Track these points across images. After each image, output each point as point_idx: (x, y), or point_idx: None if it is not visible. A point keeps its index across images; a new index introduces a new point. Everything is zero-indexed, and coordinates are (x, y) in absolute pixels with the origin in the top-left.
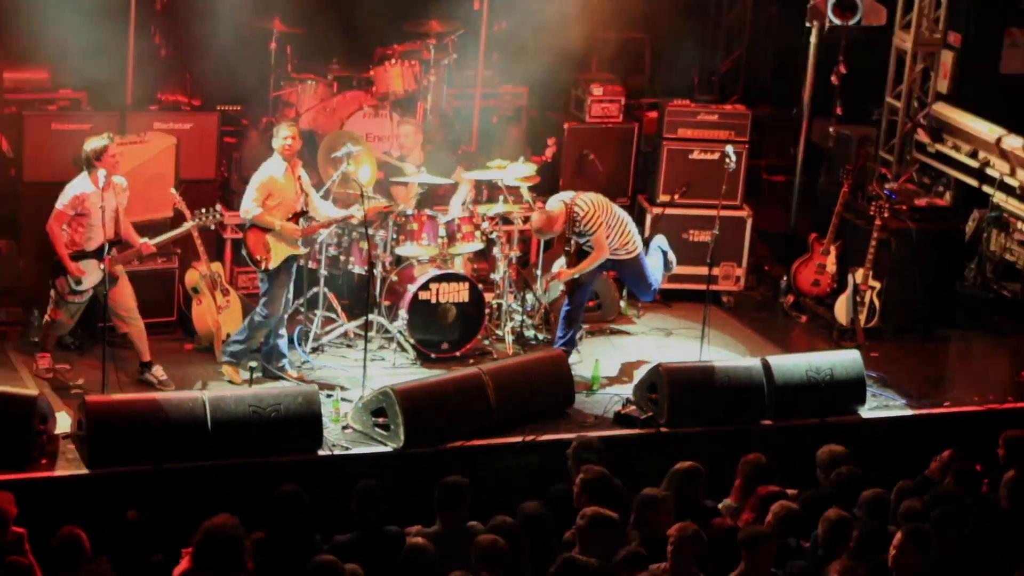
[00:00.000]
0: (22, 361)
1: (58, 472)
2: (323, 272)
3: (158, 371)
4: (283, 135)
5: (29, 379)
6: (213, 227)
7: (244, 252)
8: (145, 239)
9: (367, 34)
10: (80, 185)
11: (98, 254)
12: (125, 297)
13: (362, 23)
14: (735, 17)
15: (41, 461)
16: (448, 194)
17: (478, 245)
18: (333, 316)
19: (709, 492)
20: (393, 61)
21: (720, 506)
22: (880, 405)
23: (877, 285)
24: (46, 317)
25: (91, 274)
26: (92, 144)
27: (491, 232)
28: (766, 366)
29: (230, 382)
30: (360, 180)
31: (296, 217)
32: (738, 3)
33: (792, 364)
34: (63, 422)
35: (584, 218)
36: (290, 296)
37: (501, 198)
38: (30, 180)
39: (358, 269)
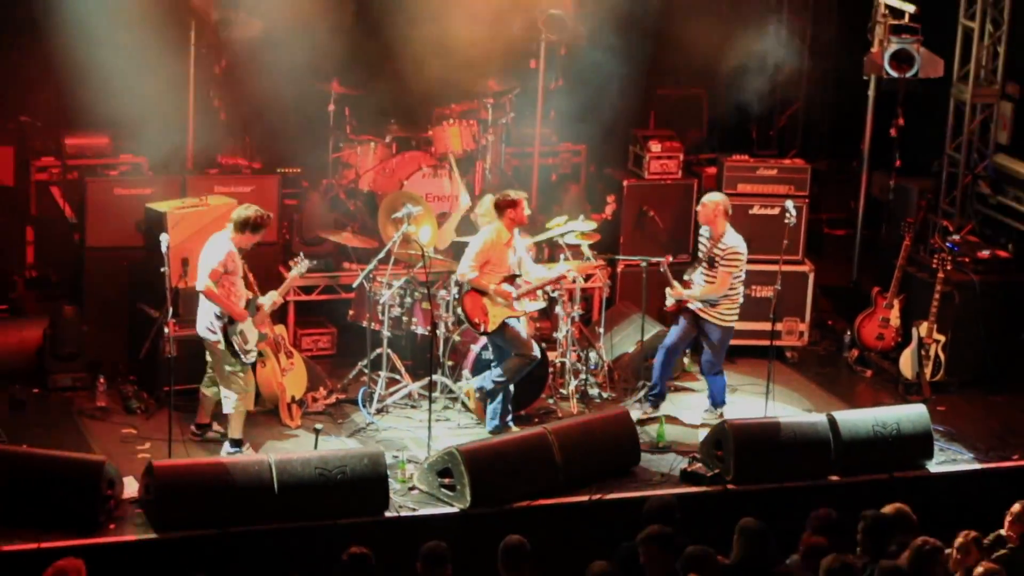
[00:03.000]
0: (89, 425)
1: (126, 537)
2: (386, 333)
3: (217, 427)
4: (522, 206)
5: (96, 444)
6: (304, 272)
7: (462, 314)
8: (270, 292)
9: (425, 94)
10: (226, 242)
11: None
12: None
13: (420, 84)
14: (792, 71)
15: (109, 526)
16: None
17: (540, 304)
18: (397, 377)
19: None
20: (451, 121)
21: (788, 562)
22: (948, 459)
23: (942, 338)
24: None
25: (251, 331)
26: (253, 213)
27: (553, 291)
28: (832, 421)
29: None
30: (420, 240)
31: (511, 279)
32: (795, 57)
33: (858, 419)
34: (130, 487)
35: (729, 250)
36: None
37: (562, 256)
38: (93, 245)
39: (421, 330)
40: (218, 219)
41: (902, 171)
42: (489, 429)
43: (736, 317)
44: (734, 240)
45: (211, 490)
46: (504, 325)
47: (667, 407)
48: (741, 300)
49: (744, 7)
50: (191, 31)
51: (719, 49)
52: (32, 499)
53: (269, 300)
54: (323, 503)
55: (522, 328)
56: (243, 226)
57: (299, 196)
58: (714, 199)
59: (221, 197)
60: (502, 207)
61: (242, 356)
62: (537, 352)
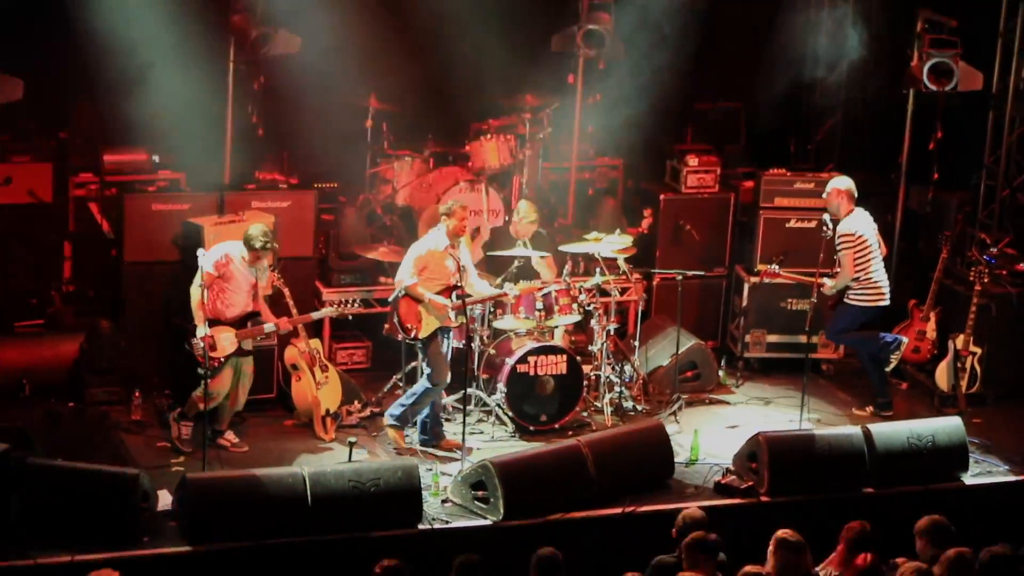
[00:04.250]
0: (124, 438)
1: (160, 549)
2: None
3: (230, 435)
4: (460, 217)
5: (131, 457)
6: (351, 317)
7: (395, 320)
8: (284, 316)
9: (462, 110)
10: (228, 248)
11: (236, 324)
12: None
13: (457, 99)
14: (830, 85)
15: (143, 538)
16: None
17: (575, 317)
18: None
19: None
20: (488, 136)
21: (820, 573)
22: (983, 471)
23: (978, 351)
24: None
25: (227, 343)
26: (257, 233)
27: (588, 304)
28: (867, 434)
29: (395, 448)
30: (457, 255)
31: (448, 291)
32: (833, 71)
33: (893, 431)
34: (164, 499)
35: (839, 235)
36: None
37: (598, 270)
38: (131, 260)
39: (455, 343)
40: None
41: (940, 184)
42: (389, 420)
43: (870, 298)
44: (845, 224)
45: (244, 503)
46: (432, 337)
47: (704, 420)
48: (877, 279)
49: (782, 21)
50: (230, 47)
51: (757, 64)
52: (67, 512)
53: (272, 324)
54: (356, 515)
55: (447, 349)
56: (248, 244)
57: (336, 211)
58: (830, 185)
59: (258, 212)
60: (445, 216)
61: (200, 362)
62: (447, 379)
